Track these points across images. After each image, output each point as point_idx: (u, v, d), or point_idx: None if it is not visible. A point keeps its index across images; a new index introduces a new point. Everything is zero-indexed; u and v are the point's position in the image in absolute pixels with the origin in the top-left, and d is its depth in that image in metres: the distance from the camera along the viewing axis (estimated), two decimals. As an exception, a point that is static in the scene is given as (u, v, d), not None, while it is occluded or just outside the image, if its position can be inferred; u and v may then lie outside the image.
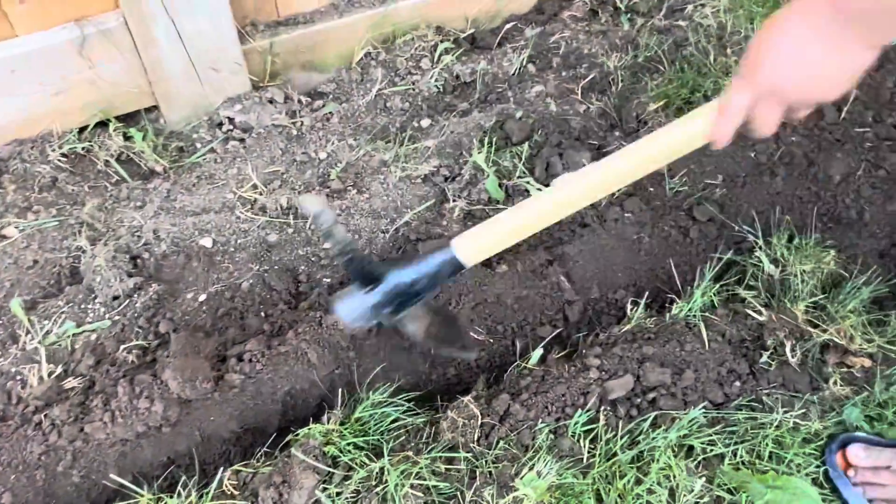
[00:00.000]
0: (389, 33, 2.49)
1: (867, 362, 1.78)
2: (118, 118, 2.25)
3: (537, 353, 1.79)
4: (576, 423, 1.62)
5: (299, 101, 2.36)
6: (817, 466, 1.61)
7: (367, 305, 1.53)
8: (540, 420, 1.63)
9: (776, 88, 1.20)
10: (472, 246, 1.48)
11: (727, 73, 2.27)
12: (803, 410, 1.68)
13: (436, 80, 2.45)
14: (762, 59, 1.19)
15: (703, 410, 1.67)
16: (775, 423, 1.65)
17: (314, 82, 2.45)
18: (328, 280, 1.99)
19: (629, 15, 2.62)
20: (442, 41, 2.52)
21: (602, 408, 1.66)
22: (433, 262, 1.50)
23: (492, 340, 1.87)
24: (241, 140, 2.27)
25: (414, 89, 2.44)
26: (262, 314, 1.89)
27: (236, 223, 2.06)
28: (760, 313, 1.80)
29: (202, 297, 1.91)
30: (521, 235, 1.49)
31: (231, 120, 2.29)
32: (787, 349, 1.74)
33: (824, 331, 1.76)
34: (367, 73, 2.45)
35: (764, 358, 1.76)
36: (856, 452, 1.61)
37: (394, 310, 1.55)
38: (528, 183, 2.15)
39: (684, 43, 2.38)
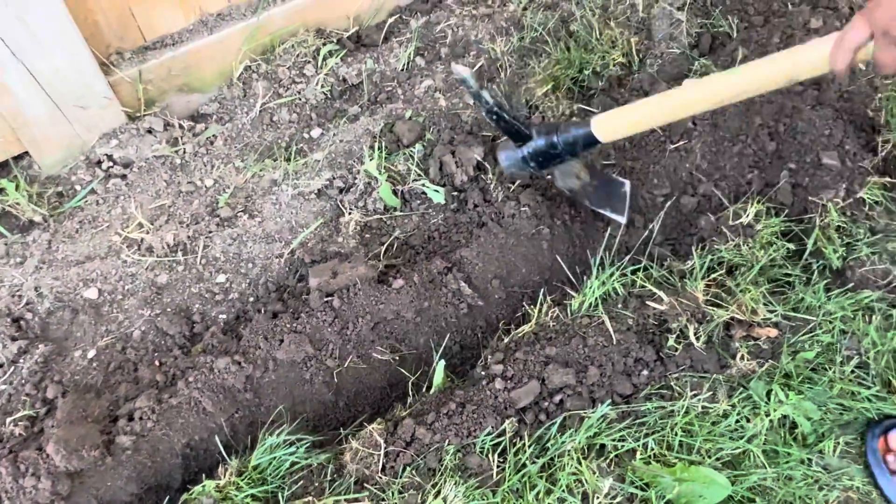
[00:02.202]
0: (268, 43, 2.38)
1: (773, 332, 1.77)
2: (-14, 170, 2.13)
3: (440, 371, 1.74)
4: (483, 440, 1.58)
5: (180, 127, 2.25)
6: (729, 452, 1.59)
7: (517, 157, 1.86)
8: (447, 441, 1.59)
9: (891, 27, 1.19)
10: (607, 124, 1.71)
11: (613, 46, 2.22)
12: (710, 392, 1.66)
13: (322, 87, 2.36)
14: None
15: (612, 406, 1.65)
16: (683, 410, 1.63)
17: (195, 104, 2.34)
18: (223, 316, 1.92)
19: (516, -8, 2.55)
20: (324, 44, 2.42)
21: (509, 419, 1.62)
22: (572, 133, 1.77)
23: (396, 359, 1.82)
24: (123, 176, 2.17)
25: (300, 99, 2.35)
26: (156, 363, 1.82)
27: (123, 268, 1.97)
28: (661, 300, 1.76)
29: (91, 354, 1.83)
30: (651, 124, 1.72)
31: (109, 157, 2.18)
32: (691, 333, 1.72)
33: (726, 309, 1.74)
34: (249, 87, 2.35)
35: (670, 342, 1.73)
36: None
37: (538, 165, 1.86)
38: (423, 185, 2.09)
39: (570, 19, 2.32)
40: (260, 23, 2.31)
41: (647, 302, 1.77)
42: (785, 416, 1.63)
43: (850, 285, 1.81)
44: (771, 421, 1.61)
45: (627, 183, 2.03)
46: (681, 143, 2.06)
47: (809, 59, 1.41)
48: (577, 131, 1.76)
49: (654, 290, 1.79)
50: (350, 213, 2.06)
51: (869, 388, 1.66)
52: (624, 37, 2.21)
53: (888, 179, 1.95)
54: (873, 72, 1.35)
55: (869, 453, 1.60)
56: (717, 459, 1.58)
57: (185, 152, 2.21)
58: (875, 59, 1.28)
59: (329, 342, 1.77)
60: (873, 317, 1.76)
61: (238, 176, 2.17)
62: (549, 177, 1.94)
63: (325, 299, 1.81)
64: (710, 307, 1.75)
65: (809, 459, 1.58)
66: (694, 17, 2.24)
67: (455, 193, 2.09)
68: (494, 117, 1.76)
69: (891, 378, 1.66)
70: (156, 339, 1.87)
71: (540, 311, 1.85)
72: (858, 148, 1.95)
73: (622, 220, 1.99)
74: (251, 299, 1.95)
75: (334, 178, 2.15)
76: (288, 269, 2.00)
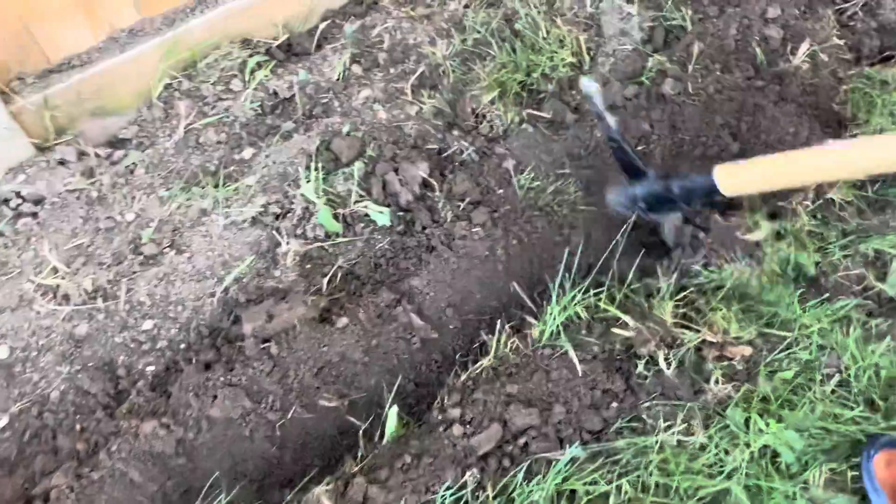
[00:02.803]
0: (189, 58, 2.18)
1: (747, 350, 1.65)
2: None
3: (393, 418, 1.59)
4: (443, 495, 1.43)
5: (96, 156, 2.05)
6: (709, 492, 1.46)
7: (627, 195, 1.78)
8: (403, 500, 1.44)
9: None
10: (733, 177, 1.59)
11: (562, 45, 2.07)
12: (685, 424, 1.54)
13: (251, 102, 2.17)
14: None
15: (581, 444, 1.52)
16: (658, 446, 1.51)
17: (112, 129, 2.14)
18: (151, 368, 1.74)
19: (457, -11, 2.38)
20: (251, 55, 2.23)
21: (470, 469, 1.48)
22: (693, 180, 1.67)
23: (345, 405, 1.66)
24: (34, 215, 1.96)
25: (228, 117, 2.16)
26: (77, 428, 1.63)
27: (36, 320, 1.78)
28: (626, 326, 1.63)
29: (4, 421, 1.64)
30: (784, 184, 1.59)
31: (17, 194, 1.97)
32: (661, 359, 1.59)
33: (697, 331, 1.62)
34: (170, 107, 2.15)
35: (639, 369, 1.61)
36: None
37: (647, 208, 1.77)
38: (366, 207, 1.92)
39: (514, 17, 2.16)
40: (178, 36, 2.11)
41: (613, 329, 1.63)
42: (766, 446, 1.51)
43: (826, 295, 1.70)
44: (752, 453, 1.49)
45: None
46: (639, 147, 1.93)
47: None
48: (698, 180, 1.66)
49: (620, 314, 1.65)
50: (288, 243, 1.88)
51: (852, 408, 1.55)
52: (572, 35, 2.06)
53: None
54: None
55: (865, 476, 1.48)
56: (699, 500, 1.46)
57: (102, 184, 2.01)
58: None
59: (268, 393, 1.61)
60: (851, 328, 1.65)
61: (163, 207, 1.98)
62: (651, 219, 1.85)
63: (262, 346, 1.65)
64: (680, 329, 1.63)
65: (794, 494, 1.46)
66: (645, 10, 2.10)
67: (401, 214, 1.93)
68: (615, 145, 1.70)
69: (874, 397, 1.56)
70: (76, 399, 1.68)
71: (498, 342, 1.70)
72: (826, 145, 1.83)
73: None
74: (182, 346, 1.77)
75: (269, 204, 1.97)
76: (222, 309, 1.82)
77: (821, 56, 1.93)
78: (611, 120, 1.70)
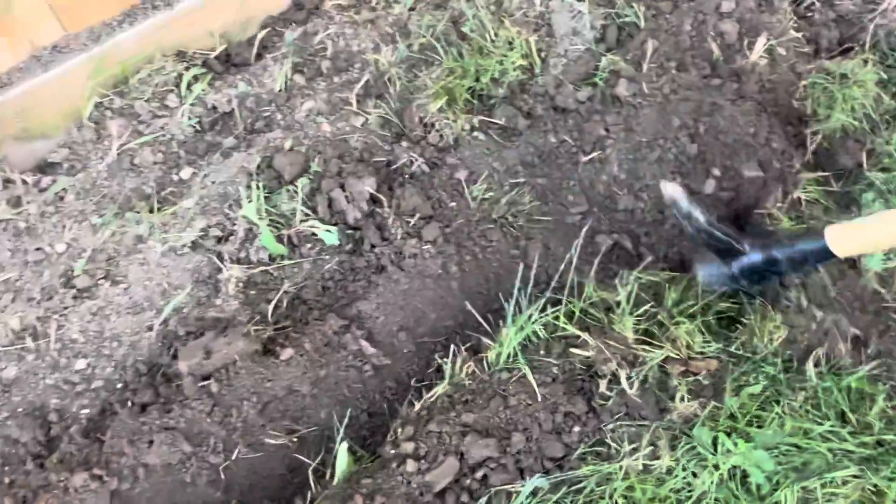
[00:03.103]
0: (119, 74, 2.06)
1: (713, 364, 1.58)
2: None
3: (343, 455, 1.50)
4: (396, 539, 1.35)
5: (23, 183, 1.93)
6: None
7: (724, 274, 1.64)
8: (354, 546, 1.35)
9: None
10: (848, 237, 1.48)
11: (511, 47, 1.98)
12: (651, 446, 1.46)
13: (189, 119, 2.05)
14: None
15: (543, 474, 1.44)
16: (623, 472, 1.43)
17: (40, 153, 2.01)
18: (86, 411, 1.63)
19: (403, -10, 2.27)
20: (187, 68, 2.11)
21: (426, 507, 1.39)
22: (800, 248, 1.53)
23: (294, 441, 1.57)
24: (-44, 249, 1.84)
25: (164, 135, 2.04)
26: (6, 481, 1.52)
27: (-40, 364, 1.66)
28: (586, 344, 1.55)
29: (-75, 478, 1.53)
30: None
31: (-62, 227, 1.85)
32: (623, 378, 1.51)
33: (660, 347, 1.54)
34: (102, 128, 2.03)
35: (602, 388, 1.53)
36: None
37: (751, 283, 1.63)
38: (313, 226, 1.82)
39: (461, 20, 2.07)
40: (105, 52, 2.00)
41: (572, 349, 1.55)
42: (736, 467, 1.44)
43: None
44: (720, 475, 1.42)
45: None
46: (594, 153, 1.84)
47: None
48: (807, 245, 1.52)
49: (578, 332, 1.57)
50: (229, 269, 1.78)
51: (821, 423, 1.48)
52: (522, 36, 1.97)
53: (822, 173, 1.78)
54: None
55: None
56: (667, 529, 1.39)
57: (30, 213, 1.88)
58: None
59: (210, 435, 1.51)
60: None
61: (96, 235, 1.87)
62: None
63: (201, 384, 1.55)
64: (642, 346, 1.55)
65: (766, 517, 1.39)
66: (597, 8, 2.02)
67: (350, 232, 1.83)
68: (706, 236, 1.60)
69: (844, 409, 1.49)
70: (5, 449, 1.57)
71: (453, 366, 1.62)
72: (786, 144, 1.77)
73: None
74: (118, 386, 1.67)
75: (209, 227, 1.86)
76: (161, 343, 1.72)
77: (778, 50, 1.86)
78: (699, 215, 1.60)
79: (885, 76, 1.91)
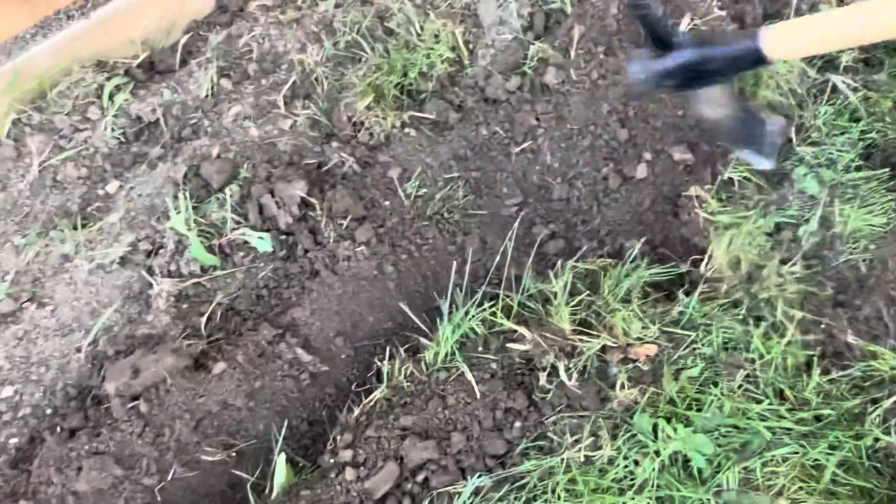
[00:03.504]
0: (37, 88, 1.99)
1: (652, 350, 1.57)
2: None
3: (282, 468, 1.46)
4: (337, 550, 1.32)
5: (-60, 207, 1.86)
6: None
7: (653, 70, 1.45)
8: (293, 561, 1.32)
9: None
10: (783, 37, 1.31)
11: (438, 40, 1.94)
12: (592, 437, 1.45)
13: (112, 130, 1.99)
14: None
15: (485, 472, 1.42)
16: (564, 465, 1.42)
17: (-43, 174, 1.94)
18: (15, 440, 1.57)
19: (330, -14, 2.22)
20: (108, 78, 2.04)
21: (367, 515, 1.37)
22: (734, 46, 1.37)
23: (232, 456, 1.53)
24: None
25: (88, 149, 1.98)
26: (-69, 519, 1.47)
27: None
28: (523, 338, 1.53)
29: None
30: (846, 42, 1.37)
31: None
32: (562, 370, 1.50)
33: (597, 336, 1.53)
34: (22, 145, 1.96)
35: (542, 382, 1.51)
36: None
37: (679, 84, 1.46)
38: (244, 234, 1.78)
39: (387, 15, 2.03)
40: (19, 66, 1.92)
41: (509, 345, 1.53)
42: (677, 452, 1.44)
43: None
44: (662, 461, 1.41)
45: (781, 122, 1.63)
46: (526, 143, 1.82)
47: None
48: (739, 45, 1.36)
49: (515, 326, 1.55)
50: (160, 283, 1.73)
51: (760, 401, 1.48)
52: (448, 28, 1.94)
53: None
54: None
55: None
56: (608, 520, 1.37)
57: (-52, 238, 1.82)
58: None
59: (141, 457, 1.46)
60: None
61: (19, 257, 1.80)
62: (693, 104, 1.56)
63: (130, 405, 1.50)
64: (580, 336, 1.53)
65: (708, 500, 1.39)
66: (523, -4, 1.99)
67: (282, 238, 1.79)
68: (643, 13, 1.39)
69: (783, 387, 1.49)
70: (-71, 486, 1.51)
71: (391, 369, 1.59)
72: (715, 124, 1.76)
73: (768, 165, 1.57)
74: (48, 412, 1.61)
75: (138, 241, 1.81)
76: (91, 365, 1.67)
77: (704, 30, 1.85)
78: None
79: (809, 50, 1.92)
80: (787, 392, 1.49)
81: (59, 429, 1.55)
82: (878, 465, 1.45)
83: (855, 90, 1.87)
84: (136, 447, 1.46)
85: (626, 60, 1.58)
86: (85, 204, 1.91)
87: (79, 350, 1.68)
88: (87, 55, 2.05)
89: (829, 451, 1.44)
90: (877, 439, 1.45)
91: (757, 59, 1.34)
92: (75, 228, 1.83)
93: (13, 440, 1.58)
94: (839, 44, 1.36)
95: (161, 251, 1.80)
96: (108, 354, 1.65)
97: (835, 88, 1.89)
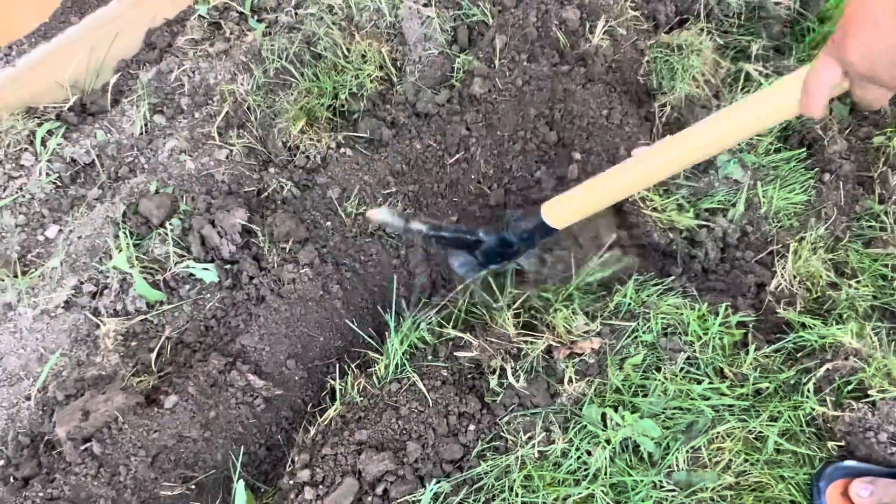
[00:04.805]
0: (-35, 140, 1.98)
1: (596, 343, 1.62)
2: None
3: (241, 496, 1.47)
4: (301, 570, 1.33)
5: None
6: (576, 500, 1.41)
7: (472, 262, 1.76)
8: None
9: (874, 72, 1.02)
10: (559, 210, 1.57)
11: (365, 60, 1.98)
12: (545, 432, 1.49)
13: (48, 175, 1.98)
14: (849, 34, 1.02)
15: (443, 477, 1.44)
16: (520, 462, 1.45)
17: None
18: (-27, 494, 1.55)
19: (257, 17, 2.25)
20: (40, 124, 2.04)
21: (329, 532, 1.38)
22: (524, 226, 1.63)
23: (192, 488, 1.53)
24: None
25: (24, 195, 1.97)
26: None
27: None
28: (470, 345, 1.56)
29: None
30: (607, 202, 1.53)
31: None
32: (510, 372, 1.53)
33: (541, 337, 1.57)
34: (-45, 197, 1.94)
35: (493, 384, 1.55)
36: (858, 491, 1.37)
37: (498, 265, 1.76)
38: (189, 267, 1.78)
39: (314, 39, 2.06)
40: (-55, 119, 1.91)
41: (456, 353, 1.57)
42: (627, 439, 1.48)
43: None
44: (613, 449, 1.46)
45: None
46: (459, 154, 1.86)
47: (776, 107, 1.21)
48: (529, 223, 1.62)
49: (459, 334, 1.59)
50: (106, 324, 1.73)
51: (701, 381, 1.53)
52: (374, 48, 1.98)
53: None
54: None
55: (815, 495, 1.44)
56: (562, 512, 1.41)
57: None
58: (856, 99, 1.12)
59: (98, 498, 1.45)
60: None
61: (-40, 311, 1.78)
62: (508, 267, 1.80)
63: (83, 447, 1.49)
64: (524, 338, 1.57)
65: (660, 482, 1.43)
66: (445, 11, 2.04)
67: (227, 267, 1.80)
68: (438, 240, 1.67)
69: (722, 366, 1.55)
70: None
71: (344, 385, 1.61)
72: (639, 119, 1.82)
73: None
74: (0, 463, 1.59)
75: (82, 284, 1.80)
76: (42, 411, 1.65)
77: (619, 30, 1.91)
78: (418, 224, 1.67)
79: (721, 42, 2.00)
80: (727, 370, 1.55)
81: (12, 479, 1.53)
82: (817, 430, 1.51)
83: (767, 76, 1.96)
84: (91, 489, 1.46)
85: (450, 261, 1.83)
86: (25, 251, 1.90)
87: (28, 398, 1.67)
88: (16, 103, 2.04)
89: (771, 423, 1.49)
90: (812, 408, 1.51)
91: (547, 229, 1.59)
92: (16, 276, 1.82)
93: (-30, 495, 1.56)
94: (602, 204, 1.54)
95: (105, 291, 1.80)
96: (59, 399, 1.64)
97: (748, 76, 1.97)
